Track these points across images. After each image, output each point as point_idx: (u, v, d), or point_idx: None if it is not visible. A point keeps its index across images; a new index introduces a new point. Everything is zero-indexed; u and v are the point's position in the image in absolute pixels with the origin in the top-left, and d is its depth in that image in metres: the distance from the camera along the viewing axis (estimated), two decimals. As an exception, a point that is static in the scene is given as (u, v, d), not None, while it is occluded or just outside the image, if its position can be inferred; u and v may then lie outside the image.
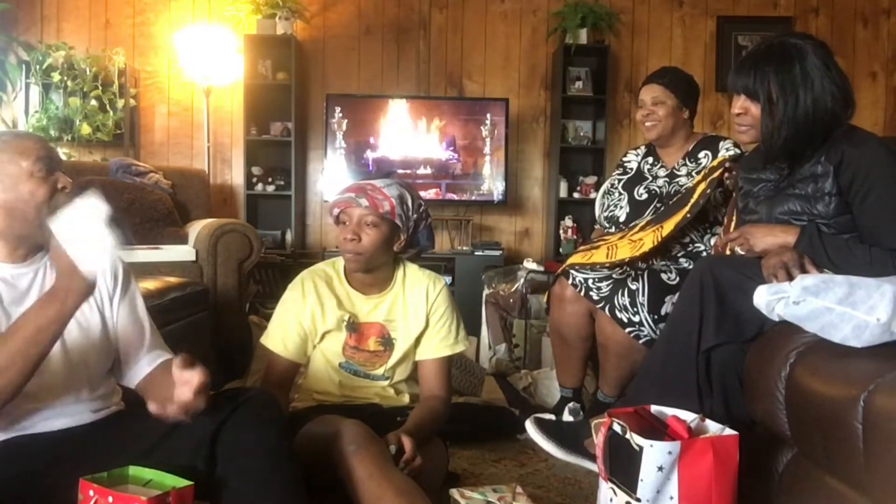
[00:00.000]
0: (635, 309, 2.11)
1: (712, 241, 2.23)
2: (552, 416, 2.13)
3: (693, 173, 2.33)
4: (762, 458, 1.48)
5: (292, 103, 4.30)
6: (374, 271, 1.76)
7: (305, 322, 1.75)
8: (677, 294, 1.91)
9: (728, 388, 1.57)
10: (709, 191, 2.09)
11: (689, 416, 1.38)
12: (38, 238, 1.31)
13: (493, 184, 4.38)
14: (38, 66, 4.03)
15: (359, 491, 1.35)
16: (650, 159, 2.48)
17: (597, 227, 2.63)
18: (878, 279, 1.38)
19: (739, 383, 1.56)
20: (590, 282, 2.18)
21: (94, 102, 4.03)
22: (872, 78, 4.69)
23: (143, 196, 3.30)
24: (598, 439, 1.39)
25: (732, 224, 1.93)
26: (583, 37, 4.39)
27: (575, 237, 4.46)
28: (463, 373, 2.75)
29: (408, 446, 1.48)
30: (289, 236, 4.39)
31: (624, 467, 1.30)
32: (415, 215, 1.75)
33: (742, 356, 1.55)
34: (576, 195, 4.54)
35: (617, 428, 1.33)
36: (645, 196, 2.39)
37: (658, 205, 2.34)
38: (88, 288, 1.14)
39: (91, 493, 1.12)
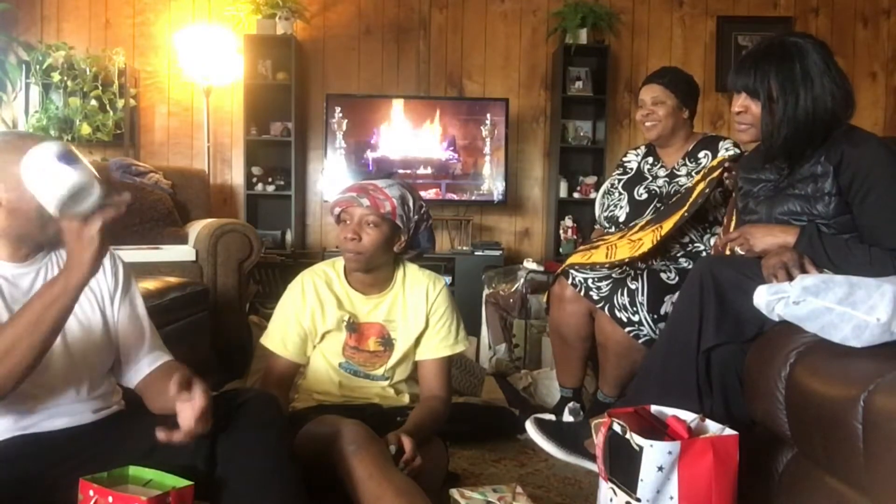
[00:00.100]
0: (635, 308, 2.11)
1: (712, 241, 2.23)
2: (552, 417, 2.13)
3: (693, 173, 2.33)
4: (762, 458, 1.48)
5: (292, 103, 4.30)
6: (374, 271, 1.76)
7: (305, 322, 1.75)
8: (677, 294, 1.91)
9: (728, 388, 1.57)
10: (708, 190, 2.09)
11: (689, 416, 1.38)
12: (40, 239, 1.31)
13: (493, 184, 4.38)
14: (38, 66, 4.03)
15: (359, 491, 1.35)
16: (650, 159, 2.48)
17: (597, 227, 2.63)
18: (878, 279, 1.38)
19: (739, 383, 1.56)
20: (589, 281, 2.18)
21: (94, 102, 4.03)
22: (872, 78, 4.69)
23: (143, 196, 3.30)
24: (598, 439, 1.39)
25: (732, 224, 1.93)
26: (583, 37, 4.39)
27: (575, 237, 4.46)
28: (463, 373, 2.75)
29: (408, 446, 1.48)
30: (289, 236, 4.39)
31: (624, 467, 1.30)
32: (416, 216, 1.75)
33: (742, 356, 1.55)
34: (576, 195, 4.54)
35: (617, 428, 1.33)
36: (645, 196, 2.39)
37: (658, 205, 2.34)
38: (92, 259, 1.13)
39: (91, 493, 1.12)
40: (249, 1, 4.29)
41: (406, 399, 1.83)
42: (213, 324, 2.86)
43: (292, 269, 3.68)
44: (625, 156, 2.58)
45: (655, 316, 2.10)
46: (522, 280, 3.48)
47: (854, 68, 4.59)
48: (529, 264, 3.60)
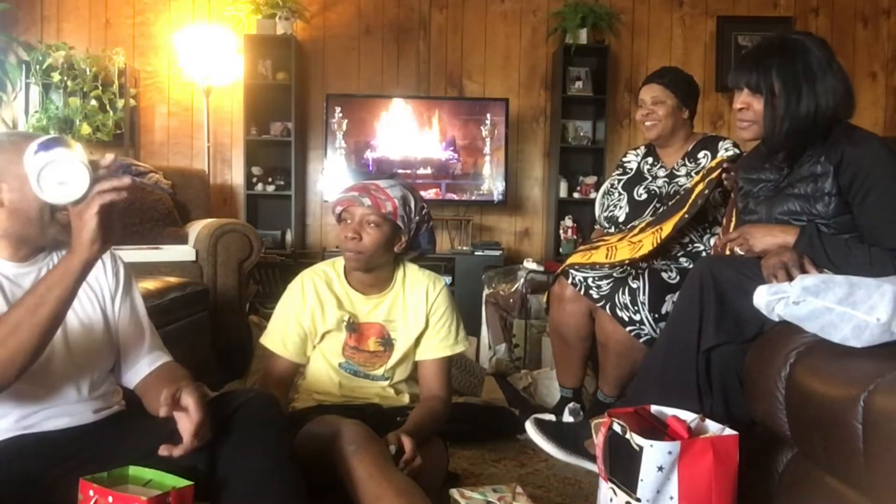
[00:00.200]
0: (636, 308, 2.11)
1: (712, 241, 2.23)
2: (552, 417, 2.13)
3: (692, 173, 2.33)
4: (762, 458, 1.48)
5: (292, 103, 4.30)
6: (374, 271, 1.77)
7: (305, 322, 1.75)
8: (678, 293, 1.91)
9: (728, 388, 1.57)
10: (707, 191, 2.09)
11: (689, 416, 1.38)
12: (41, 240, 1.32)
13: (493, 184, 4.38)
14: (38, 66, 4.02)
15: (359, 491, 1.35)
16: (650, 159, 2.48)
17: (597, 227, 2.63)
18: (878, 279, 1.38)
19: (739, 383, 1.56)
20: (589, 280, 2.18)
21: (94, 102, 4.03)
22: (872, 78, 4.69)
23: (143, 196, 3.30)
24: (598, 439, 1.39)
25: (732, 224, 1.93)
26: (583, 37, 4.39)
27: (575, 237, 4.46)
28: (463, 373, 2.75)
29: (408, 446, 1.48)
30: (289, 236, 4.39)
31: (624, 467, 1.30)
32: (417, 217, 1.75)
33: (742, 356, 1.55)
34: (576, 195, 4.54)
35: (617, 428, 1.33)
36: (644, 196, 2.39)
37: (657, 205, 2.34)
38: (91, 241, 1.12)
39: (91, 493, 1.12)
40: (249, 1, 4.29)
41: (406, 399, 1.83)
42: (213, 324, 2.86)
43: (292, 269, 3.68)
44: (624, 156, 2.58)
45: (657, 315, 2.10)
46: (522, 280, 3.48)
47: (854, 68, 4.59)
48: (529, 264, 3.60)
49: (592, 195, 4.13)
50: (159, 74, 4.47)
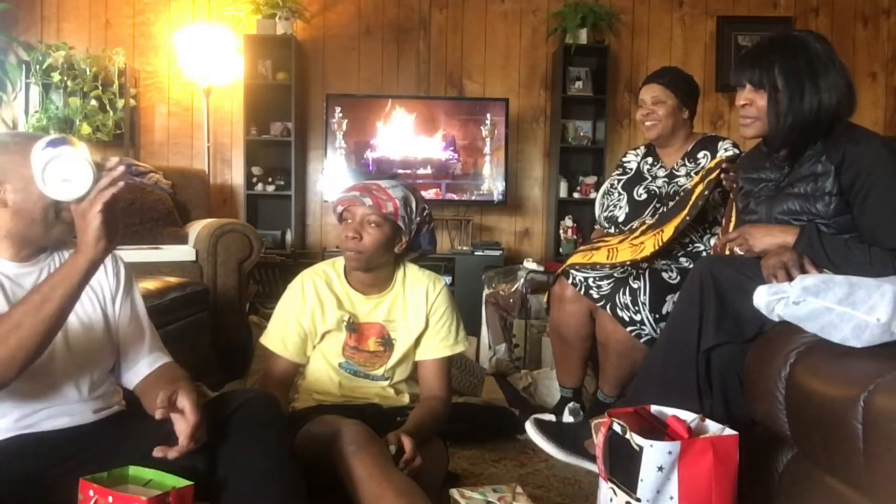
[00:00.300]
0: (636, 308, 2.11)
1: (712, 241, 2.23)
2: (552, 417, 2.13)
3: (692, 173, 2.33)
4: (762, 458, 1.48)
5: (292, 103, 4.30)
6: (374, 271, 1.77)
7: (305, 322, 1.75)
8: (678, 293, 1.91)
9: (728, 388, 1.57)
10: (707, 192, 2.09)
11: (689, 416, 1.38)
12: (43, 241, 1.33)
13: (493, 184, 4.38)
14: (38, 66, 4.02)
15: (359, 491, 1.35)
16: (650, 159, 2.48)
17: (597, 227, 2.63)
18: (878, 279, 1.38)
19: (739, 383, 1.56)
20: (590, 280, 2.18)
21: (94, 102, 4.03)
22: (872, 78, 4.69)
23: (143, 196, 3.30)
24: (598, 439, 1.39)
25: (731, 224, 1.93)
26: (583, 37, 4.39)
27: (575, 237, 4.46)
28: (463, 373, 2.75)
29: (408, 446, 1.48)
30: (289, 236, 4.39)
31: (624, 467, 1.30)
32: (418, 218, 1.75)
33: (742, 356, 1.55)
34: (576, 195, 4.54)
35: (617, 428, 1.33)
36: (644, 196, 2.39)
37: (657, 205, 2.34)
38: (96, 239, 1.13)
39: (91, 493, 1.12)
40: (249, 1, 4.29)
41: (406, 399, 1.82)
42: (213, 324, 2.86)
43: (292, 269, 3.68)
44: (624, 156, 2.58)
45: (657, 315, 2.10)
46: (522, 280, 3.48)
47: (854, 68, 4.58)
48: (529, 264, 3.60)
49: (592, 195, 4.13)
50: (159, 74, 4.48)
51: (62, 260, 1.37)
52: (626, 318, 2.12)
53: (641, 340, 2.11)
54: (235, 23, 4.37)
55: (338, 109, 4.30)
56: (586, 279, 2.19)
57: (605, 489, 1.38)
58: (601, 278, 2.18)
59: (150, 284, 2.36)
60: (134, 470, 1.21)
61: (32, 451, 1.24)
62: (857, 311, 1.31)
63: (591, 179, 4.53)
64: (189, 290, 2.60)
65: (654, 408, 1.44)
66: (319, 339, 1.77)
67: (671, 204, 2.26)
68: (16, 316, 1.15)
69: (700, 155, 2.37)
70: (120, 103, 4.08)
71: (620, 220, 2.41)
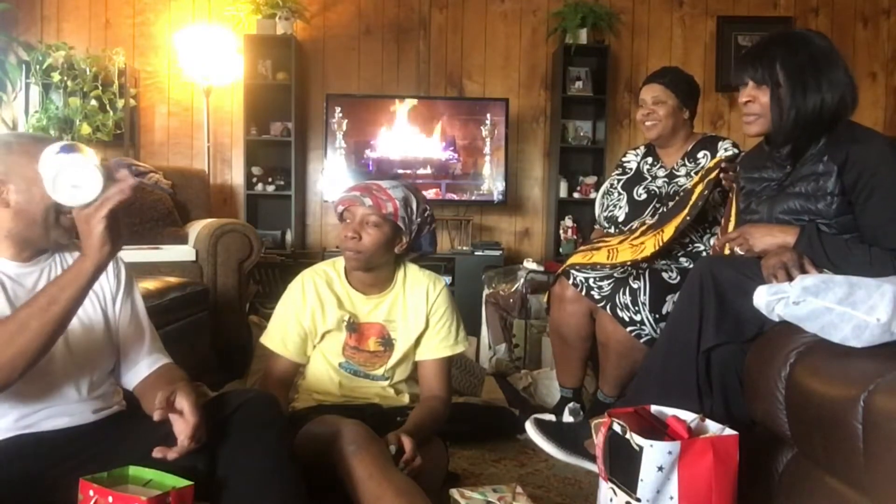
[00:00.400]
0: (637, 308, 2.11)
1: (712, 241, 2.23)
2: (552, 417, 2.13)
3: (692, 173, 2.33)
4: (762, 458, 1.48)
5: (292, 103, 4.30)
6: (374, 271, 1.76)
7: (305, 322, 1.75)
8: (678, 293, 1.91)
9: (728, 388, 1.57)
10: (706, 192, 2.09)
11: (689, 416, 1.38)
12: (43, 242, 1.33)
13: (493, 184, 4.38)
14: (38, 66, 4.02)
15: (359, 491, 1.35)
16: (649, 159, 2.48)
17: (596, 227, 2.63)
18: (878, 279, 1.38)
19: (739, 383, 1.56)
20: (590, 281, 2.18)
21: (94, 102, 4.03)
22: (872, 78, 4.69)
23: (143, 196, 3.30)
24: (598, 439, 1.39)
25: (731, 224, 1.93)
26: (583, 37, 4.39)
27: (575, 237, 4.46)
28: (463, 373, 2.75)
29: (408, 446, 1.48)
30: (289, 236, 4.39)
31: (624, 467, 1.30)
32: (419, 219, 1.75)
33: (742, 356, 1.55)
34: (576, 195, 4.54)
35: (617, 428, 1.33)
36: (644, 196, 2.39)
37: (657, 205, 2.34)
38: (100, 245, 1.14)
39: (91, 493, 1.12)
40: (249, 1, 4.29)
41: (406, 399, 1.82)
42: (213, 324, 2.86)
43: (292, 269, 3.68)
44: (624, 156, 2.58)
45: (657, 315, 2.10)
46: (522, 280, 3.48)
47: (854, 68, 4.52)
48: (529, 264, 3.60)
49: (592, 195, 4.13)
50: (159, 74, 4.48)
51: (63, 261, 1.38)
52: (627, 319, 2.12)
53: (641, 340, 2.11)
54: (235, 23, 4.37)
55: (338, 109, 4.30)
56: (586, 279, 2.19)
57: (605, 489, 1.38)
58: (601, 278, 2.17)
59: (150, 284, 2.36)
60: (134, 470, 1.21)
61: (32, 451, 1.24)
62: (857, 311, 1.31)
63: (591, 179, 4.53)
64: (189, 290, 2.60)
65: (654, 408, 1.44)
66: (319, 339, 1.77)
67: (671, 204, 2.26)
68: (22, 318, 1.15)
69: (700, 155, 2.37)
70: (120, 103, 4.08)
71: (620, 220, 2.41)
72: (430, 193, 4.29)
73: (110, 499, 1.10)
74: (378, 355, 1.79)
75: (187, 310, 2.55)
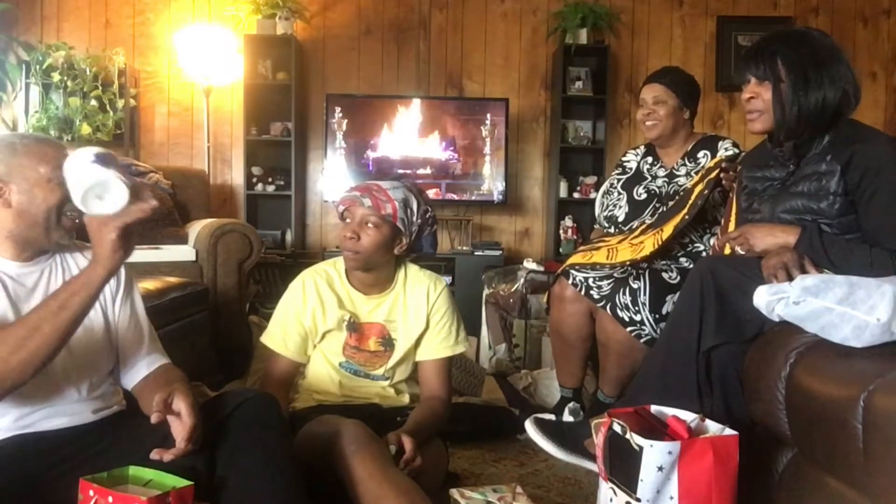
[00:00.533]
0: (636, 308, 2.11)
1: (712, 241, 2.23)
2: (552, 416, 2.13)
3: (692, 173, 2.33)
4: (762, 458, 1.47)
5: (292, 103, 4.30)
6: (374, 271, 1.76)
7: (306, 321, 1.75)
8: (678, 293, 1.91)
9: (728, 388, 1.57)
10: (706, 192, 2.09)
11: (689, 416, 1.38)
12: (44, 243, 1.34)
13: (493, 184, 4.38)
14: (38, 66, 4.02)
15: (359, 491, 1.35)
16: (649, 159, 2.48)
17: (596, 227, 2.63)
18: (879, 279, 1.38)
19: (739, 383, 1.56)
20: (590, 281, 2.18)
21: (94, 102, 4.02)
22: (872, 78, 4.69)
23: (143, 196, 3.29)
24: (598, 439, 1.39)
25: (731, 224, 1.93)
26: (583, 37, 4.39)
27: (575, 237, 4.46)
28: (463, 373, 2.75)
29: (408, 446, 1.48)
30: (289, 236, 4.39)
31: (624, 467, 1.30)
32: (419, 220, 1.74)
33: (742, 356, 1.55)
34: (576, 195, 4.54)
35: (617, 428, 1.33)
36: (644, 196, 2.39)
37: (657, 204, 2.34)
38: (109, 256, 1.15)
39: (91, 493, 1.12)
40: (249, 1, 4.29)
41: (406, 399, 1.83)
42: (213, 324, 2.86)
43: (292, 269, 3.68)
44: (624, 156, 2.58)
45: (657, 316, 2.10)
46: (522, 280, 3.48)
47: (854, 68, 4.58)
48: (529, 264, 3.60)
49: (592, 195, 4.13)
50: (159, 74, 4.47)
51: (63, 261, 1.38)
52: (626, 319, 2.12)
53: (641, 340, 2.11)
54: (235, 23, 4.37)
55: (338, 109, 4.30)
56: (586, 279, 2.19)
57: (605, 489, 1.38)
58: (601, 278, 2.17)
59: (150, 284, 2.36)
60: (134, 470, 1.21)
61: (32, 451, 1.24)
62: (858, 311, 1.31)
63: (591, 179, 4.53)
64: (189, 290, 2.59)
65: (654, 408, 1.44)
66: (320, 339, 1.77)
67: (671, 203, 2.26)
68: (33, 321, 1.16)
69: (700, 155, 2.37)
70: (120, 103, 4.07)
71: (620, 219, 2.41)
72: (430, 193, 4.28)
73: (110, 499, 1.10)
74: (378, 355, 1.79)
75: (187, 310, 2.55)
